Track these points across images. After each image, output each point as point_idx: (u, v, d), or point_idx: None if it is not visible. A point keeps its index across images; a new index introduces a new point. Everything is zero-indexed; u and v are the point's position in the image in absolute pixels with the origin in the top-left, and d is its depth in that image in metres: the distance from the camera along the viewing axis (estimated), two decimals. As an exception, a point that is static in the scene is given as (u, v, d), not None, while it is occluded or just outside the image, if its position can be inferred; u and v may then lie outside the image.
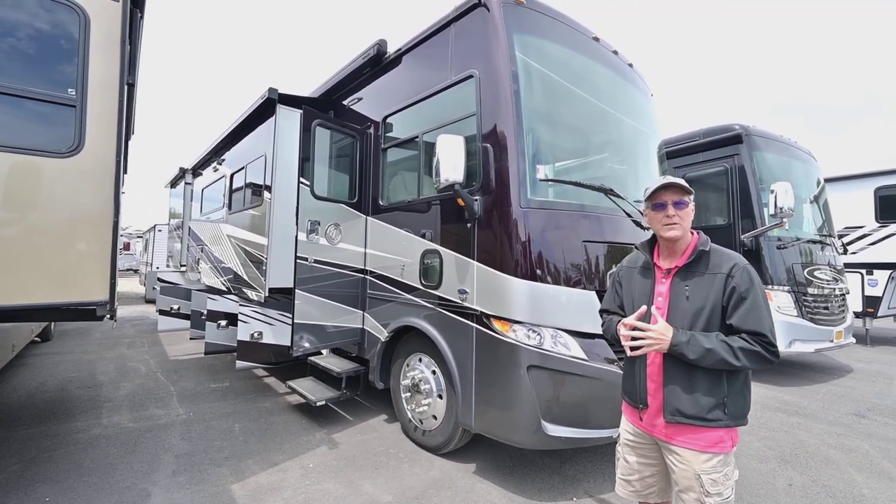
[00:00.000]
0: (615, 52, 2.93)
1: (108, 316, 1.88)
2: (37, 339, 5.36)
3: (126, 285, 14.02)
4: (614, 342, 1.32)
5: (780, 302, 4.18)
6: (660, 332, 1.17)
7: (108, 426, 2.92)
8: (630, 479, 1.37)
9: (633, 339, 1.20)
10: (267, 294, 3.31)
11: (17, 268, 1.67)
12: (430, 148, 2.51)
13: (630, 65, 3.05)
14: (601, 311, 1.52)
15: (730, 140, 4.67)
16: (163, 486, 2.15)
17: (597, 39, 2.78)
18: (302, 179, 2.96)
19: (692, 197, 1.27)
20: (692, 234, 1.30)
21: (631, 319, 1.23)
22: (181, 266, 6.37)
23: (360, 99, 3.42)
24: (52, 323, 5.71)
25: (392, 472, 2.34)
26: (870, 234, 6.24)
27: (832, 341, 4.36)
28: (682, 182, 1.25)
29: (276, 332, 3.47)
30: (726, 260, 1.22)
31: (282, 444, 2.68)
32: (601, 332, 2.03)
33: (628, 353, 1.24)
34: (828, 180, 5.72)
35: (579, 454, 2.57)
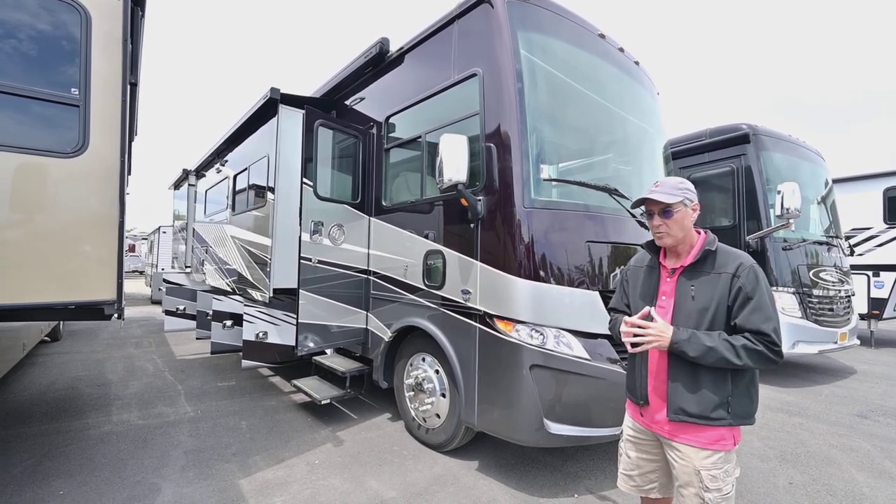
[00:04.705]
0: (621, 50, 2.90)
1: (116, 315, 1.92)
2: (46, 338, 5.44)
3: (132, 286, 14.15)
4: (620, 341, 1.34)
5: (784, 303, 4.16)
6: (659, 330, 1.19)
7: (119, 423, 2.98)
8: (631, 473, 1.39)
9: (634, 335, 1.22)
10: (271, 294, 3.35)
11: (27, 267, 1.70)
12: (433, 148, 2.52)
13: (636, 62, 3.03)
14: (609, 310, 1.53)
15: (737, 140, 4.63)
16: (172, 481, 2.20)
17: (602, 36, 2.75)
18: (305, 180, 2.98)
19: (683, 203, 1.25)
20: (699, 233, 1.30)
21: (632, 318, 1.24)
22: (186, 267, 6.43)
23: (362, 99, 3.43)
24: (62, 323, 5.79)
25: (396, 468, 2.37)
26: (877, 236, 6.17)
27: (836, 343, 4.34)
28: (659, 197, 1.24)
29: (280, 332, 3.51)
30: (732, 259, 1.22)
31: (288, 441, 2.72)
32: (605, 332, 2.05)
33: (629, 349, 1.25)
34: (836, 181, 5.65)
35: (581, 452, 2.59)
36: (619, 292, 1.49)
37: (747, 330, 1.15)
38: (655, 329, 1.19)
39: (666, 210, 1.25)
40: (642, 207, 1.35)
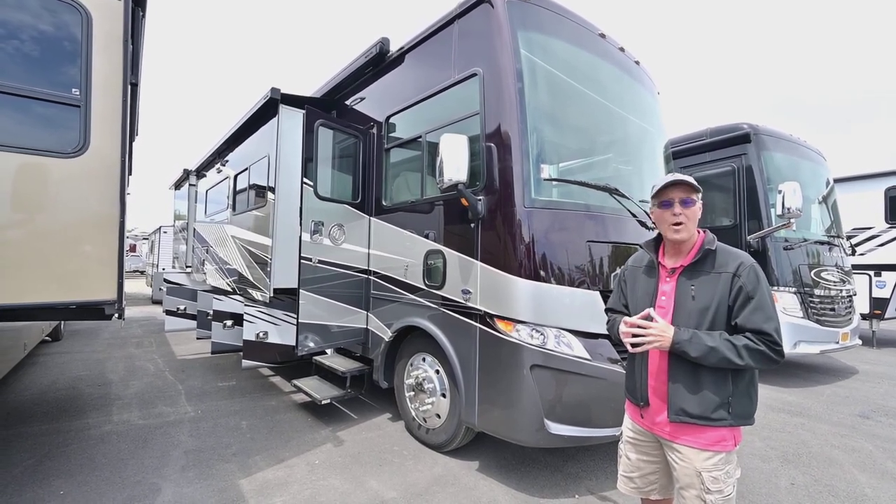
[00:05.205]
0: (622, 49, 2.90)
1: (117, 315, 1.92)
2: (48, 338, 5.45)
3: (133, 286, 14.18)
4: (618, 341, 1.33)
5: (785, 303, 4.15)
6: (660, 330, 1.18)
7: (119, 423, 2.98)
8: (632, 475, 1.38)
9: (635, 336, 1.21)
10: (272, 294, 3.35)
11: (27, 267, 1.70)
12: (434, 148, 2.52)
13: (637, 62, 3.03)
14: (607, 310, 1.52)
15: (738, 139, 4.62)
16: (172, 481, 2.20)
17: (603, 36, 2.75)
18: (305, 180, 2.99)
19: (700, 195, 1.26)
20: (698, 232, 1.30)
21: (633, 318, 1.24)
22: (187, 267, 6.44)
23: (362, 98, 3.43)
24: (62, 323, 5.80)
25: (396, 468, 2.37)
26: (879, 236, 6.16)
27: (838, 343, 4.33)
28: (690, 179, 1.24)
29: (281, 332, 3.51)
30: (733, 259, 1.22)
31: (288, 441, 2.72)
32: (605, 332, 2.04)
33: (629, 349, 1.25)
34: (837, 180, 5.64)
35: (582, 452, 2.59)
36: (617, 292, 1.48)
37: (748, 330, 1.14)
38: (657, 329, 1.18)
39: (687, 199, 1.24)
40: (650, 201, 1.34)
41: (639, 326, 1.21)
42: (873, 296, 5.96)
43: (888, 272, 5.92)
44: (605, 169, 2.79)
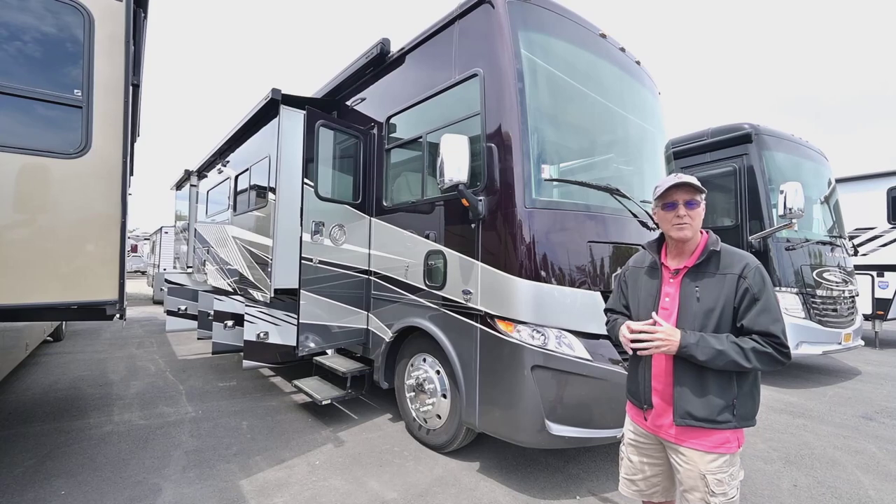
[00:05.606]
0: (622, 49, 2.90)
1: (118, 315, 1.92)
2: (49, 338, 5.47)
3: (134, 287, 14.20)
4: (618, 342, 1.32)
5: (787, 304, 4.13)
6: (667, 334, 1.17)
7: (120, 423, 2.99)
8: (634, 478, 1.37)
9: (639, 340, 1.20)
10: (272, 295, 3.35)
11: (30, 268, 1.71)
12: (434, 148, 2.52)
13: (637, 62, 3.03)
14: (606, 311, 1.51)
15: (739, 139, 4.62)
16: (173, 481, 2.20)
17: (604, 36, 2.75)
18: (306, 180, 2.99)
19: (704, 196, 1.25)
20: (701, 233, 1.29)
21: (637, 324, 1.23)
22: (188, 268, 6.46)
23: (363, 99, 3.44)
24: (64, 323, 5.82)
25: (397, 469, 2.37)
26: (881, 236, 6.14)
27: (840, 343, 4.31)
28: (694, 181, 1.23)
29: (281, 333, 3.51)
30: (738, 260, 1.21)
31: (288, 442, 2.72)
32: (606, 333, 2.04)
33: (629, 353, 1.24)
34: (839, 180, 5.63)
35: (583, 453, 2.58)
36: (617, 293, 1.47)
37: (755, 332, 1.13)
38: (664, 333, 1.17)
39: (691, 201, 1.23)
40: (652, 202, 1.34)
41: (645, 331, 1.20)
42: (876, 296, 5.93)
43: (891, 272, 5.90)
44: (605, 169, 2.79)
